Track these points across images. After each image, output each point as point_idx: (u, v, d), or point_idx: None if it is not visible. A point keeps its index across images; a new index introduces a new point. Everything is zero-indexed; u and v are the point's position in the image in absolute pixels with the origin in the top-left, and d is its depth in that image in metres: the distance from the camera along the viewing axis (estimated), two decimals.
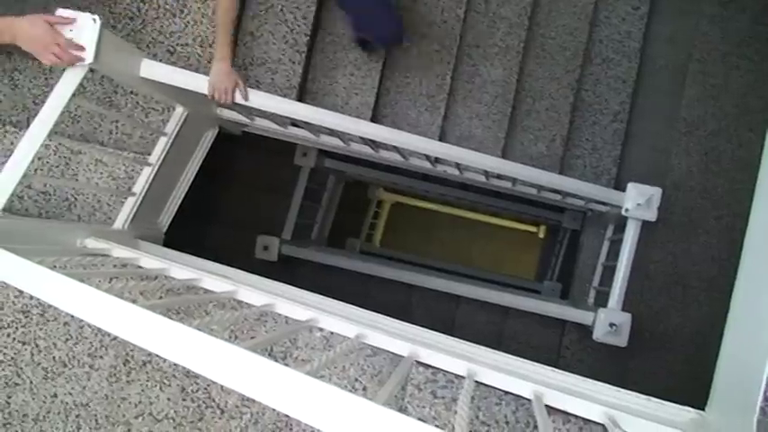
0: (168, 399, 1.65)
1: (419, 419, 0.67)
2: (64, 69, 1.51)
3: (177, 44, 2.32)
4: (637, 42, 2.88)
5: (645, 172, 2.70)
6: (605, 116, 2.87)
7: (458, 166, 2.43)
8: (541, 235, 6.70)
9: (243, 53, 2.49)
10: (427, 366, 1.24)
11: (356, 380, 1.48)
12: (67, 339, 1.73)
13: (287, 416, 1.52)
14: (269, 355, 1.54)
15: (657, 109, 2.87)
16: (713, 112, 2.73)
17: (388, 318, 1.45)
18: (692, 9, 2.85)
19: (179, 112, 2.08)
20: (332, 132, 2.30)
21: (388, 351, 1.25)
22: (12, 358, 1.75)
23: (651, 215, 2.37)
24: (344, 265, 3.34)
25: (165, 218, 2.28)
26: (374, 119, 2.65)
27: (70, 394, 1.71)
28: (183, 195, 2.33)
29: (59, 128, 2.11)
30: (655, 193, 2.35)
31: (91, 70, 1.53)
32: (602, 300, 2.62)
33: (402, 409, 1.30)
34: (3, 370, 1.74)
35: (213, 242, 3.72)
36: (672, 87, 2.81)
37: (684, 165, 2.73)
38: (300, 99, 2.55)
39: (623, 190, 2.37)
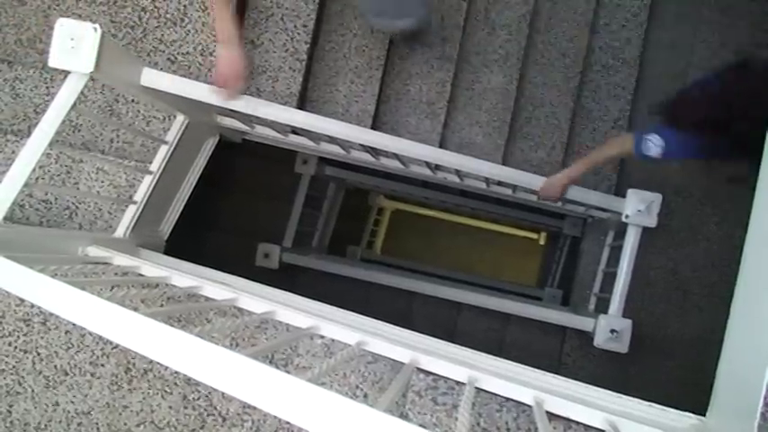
0: (170, 407, 1.65)
1: (420, 426, 0.67)
2: (65, 78, 1.52)
3: (178, 53, 2.33)
4: (636, 49, 2.89)
5: (645, 178, 2.70)
6: (605, 123, 2.88)
7: (458, 173, 2.44)
8: (542, 242, 6.69)
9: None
10: (428, 373, 1.24)
11: (357, 387, 1.48)
12: (69, 348, 1.73)
13: (288, 423, 1.52)
14: (270, 362, 1.54)
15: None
16: None
17: (389, 325, 1.46)
18: (692, 16, 2.86)
19: (180, 120, 2.09)
20: (332, 140, 2.31)
21: (389, 358, 1.25)
22: (13, 367, 1.75)
23: (651, 221, 2.36)
24: (345, 273, 3.34)
25: (166, 226, 2.28)
26: (374, 126, 2.65)
27: (72, 402, 1.71)
28: (183, 203, 2.34)
29: (61, 137, 2.12)
30: (655, 199, 2.35)
31: (92, 79, 1.54)
32: (602, 306, 2.62)
33: (403, 416, 1.30)
34: (4, 379, 1.74)
35: (214, 250, 3.72)
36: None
37: (684, 171, 2.73)
38: (301, 107, 2.56)
39: (623, 196, 2.37)
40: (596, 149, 2.22)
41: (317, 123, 1.96)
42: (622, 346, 2.40)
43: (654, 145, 1.77)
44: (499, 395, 1.15)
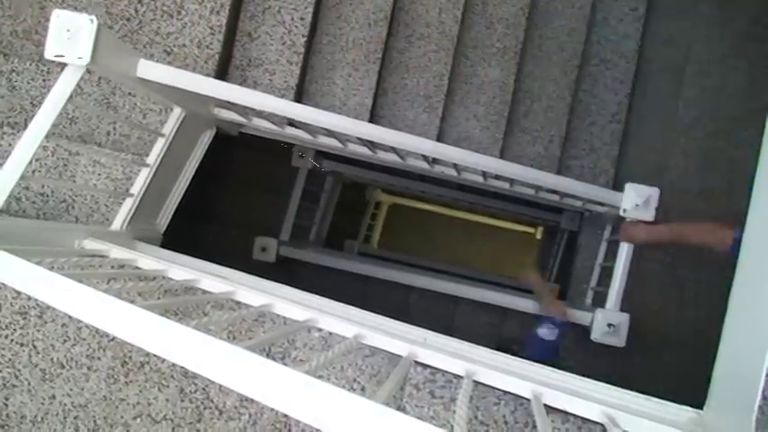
0: (167, 399, 1.65)
1: (417, 419, 0.67)
2: (61, 70, 1.51)
3: (174, 45, 2.32)
4: (634, 43, 2.88)
5: (643, 172, 2.70)
6: (603, 117, 2.87)
7: (455, 166, 2.43)
8: (539, 236, 6.71)
9: (240, 54, 2.49)
10: (426, 366, 1.24)
11: (354, 380, 1.48)
12: (65, 341, 1.73)
13: (286, 416, 1.52)
14: (267, 355, 1.54)
15: (655, 110, 2.88)
16: (711, 112, 2.73)
17: (387, 318, 1.45)
18: (690, 10, 2.86)
19: (176, 112, 2.08)
20: (329, 133, 2.30)
21: (387, 351, 1.24)
22: (9, 360, 1.74)
23: (649, 215, 2.36)
24: (342, 267, 3.34)
25: (163, 219, 2.27)
26: (372, 119, 2.65)
27: (68, 395, 1.71)
28: (180, 196, 2.33)
29: (57, 129, 2.11)
30: (653, 193, 2.35)
31: (88, 71, 1.53)
32: (599, 300, 2.61)
33: (400, 409, 1.30)
34: (0, 372, 1.74)
35: (211, 243, 3.72)
36: (669, 88, 2.81)
37: (682, 165, 2.73)
38: (298, 100, 2.55)
39: (621, 190, 2.37)
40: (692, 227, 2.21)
41: (315, 116, 1.95)
42: (620, 341, 2.40)
43: None
44: (497, 388, 1.14)
